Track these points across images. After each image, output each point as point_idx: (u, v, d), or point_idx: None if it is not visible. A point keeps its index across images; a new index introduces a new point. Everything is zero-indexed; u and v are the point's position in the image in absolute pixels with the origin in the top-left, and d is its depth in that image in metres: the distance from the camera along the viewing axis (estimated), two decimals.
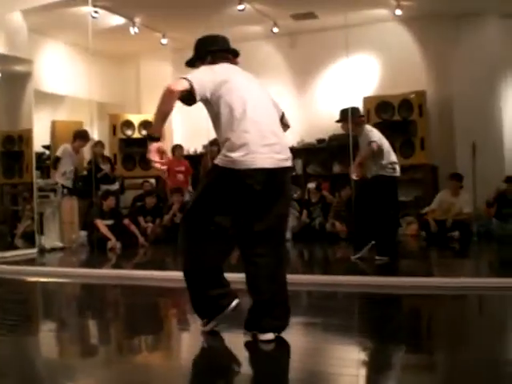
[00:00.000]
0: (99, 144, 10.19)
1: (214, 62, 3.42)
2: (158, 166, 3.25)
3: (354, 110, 6.74)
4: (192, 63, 3.55)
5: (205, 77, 3.24)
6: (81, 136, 9.62)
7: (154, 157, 3.23)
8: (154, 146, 3.25)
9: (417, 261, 7.22)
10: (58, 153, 9.52)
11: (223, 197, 3.22)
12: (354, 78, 9.36)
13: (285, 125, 3.69)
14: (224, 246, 3.31)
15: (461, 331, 3.70)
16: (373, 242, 6.46)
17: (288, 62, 10.81)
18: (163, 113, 3.24)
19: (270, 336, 3.20)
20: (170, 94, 3.15)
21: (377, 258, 6.32)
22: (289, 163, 3.35)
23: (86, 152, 9.94)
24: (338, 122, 6.69)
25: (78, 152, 9.69)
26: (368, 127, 6.65)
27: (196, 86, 3.15)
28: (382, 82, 10.11)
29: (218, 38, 3.56)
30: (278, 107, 3.65)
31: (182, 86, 3.13)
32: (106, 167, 9.96)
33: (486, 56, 9.21)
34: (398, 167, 6.55)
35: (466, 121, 9.38)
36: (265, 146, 3.19)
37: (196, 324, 3.50)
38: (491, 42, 9.22)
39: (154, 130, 3.32)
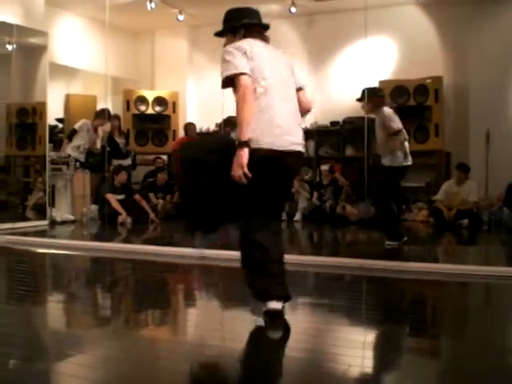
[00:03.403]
0: (115, 117, 10.21)
1: (246, 36, 3.40)
2: (243, 178, 3.11)
3: (375, 89, 6.66)
4: (222, 34, 3.52)
5: (240, 60, 3.22)
6: (101, 114, 9.68)
7: (245, 166, 3.11)
8: (246, 153, 3.11)
9: (425, 247, 7.21)
10: (76, 126, 9.59)
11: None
12: (370, 61, 9.29)
13: (300, 103, 3.59)
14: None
15: (465, 318, 3.71)
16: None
17: (304, 42, 10.74)
18: (249, 114, 3.14)
19: (279, 305, 3.21)
20: (248, 94, 3.14)
21: (387, 243, 6.31)
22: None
23: (101, 130, 9.96)
24: (358, 100, 6.59)
25: (96, 130, 9.74)
26: (387, 109, 6.49)
27: (249, 73, 3.19)
28: (399, 66, 10.04)
29: (249, 10, 3.52)
30: (298, 83, 3.60)
31: (245, 82, 3.15)
32: (121, 141, 10.00)
33: (503, 43, 9.11)
34: (409, 155, 6.48)
35: (481, 108, 9.32)
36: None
37: (202, 300, 3.52)
38: (509, 30, 9.10)
39: (243, 134, 3.11)
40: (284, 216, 9.56)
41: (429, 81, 9.40)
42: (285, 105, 3.35)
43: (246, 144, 3.10)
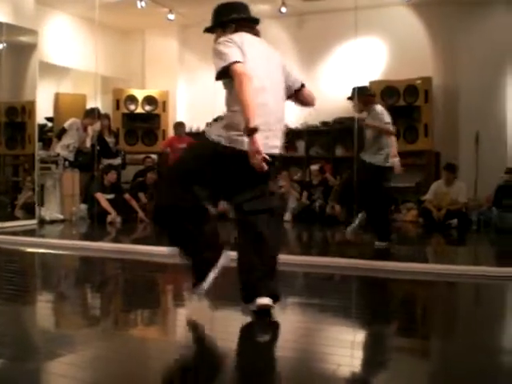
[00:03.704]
0: (105, 116, 10.20)
1: (236, 30, 3.39)
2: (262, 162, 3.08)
3: (364, 88, 6.69)
4: (212, 30, 3.51)
5: (234, 50, 3.21)
6: (91, 114, 9.66)
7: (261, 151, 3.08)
8: (257, 139, 3.06)
9: (414, 247, 7.24)
10: (66, 124, 9.57)
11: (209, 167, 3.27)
12: (360, 61, 9.32)
13: (304, 100, 3.72)
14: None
15: (455, 318, 3.73)
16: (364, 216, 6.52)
17: (295, 42, 10.74)
18: (251, 100, 3.08)
19: (268, 301, 3.23)
20: (246, 80, 3.10)
21: (376, 243, 6.33)
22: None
23: (90, 129, 9.94)
24: (349, 98, 6.62)
25: (85, 129, 9.71)
26: (379, 107, 6.51)
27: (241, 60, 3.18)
28: (389, 66, 10.07)
29: (239, 4, 3.50)
30: (297, 80, 3.65)
31: (242, 69, 3.13)
32: (110, 140, 9.99)
33: (493, 45, 9.16)
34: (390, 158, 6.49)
35: (471, 109, 9.37)
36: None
37: (191, 300, 3.52)
38: (499, 31, 9.14)
39: (251, 121, 3.04)
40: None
41: (419, 81, 9.44)
42: (275, 106, 3.35)
43: (255, 130, 3.05)
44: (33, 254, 6.33)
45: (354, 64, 8.96)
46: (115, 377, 2.48)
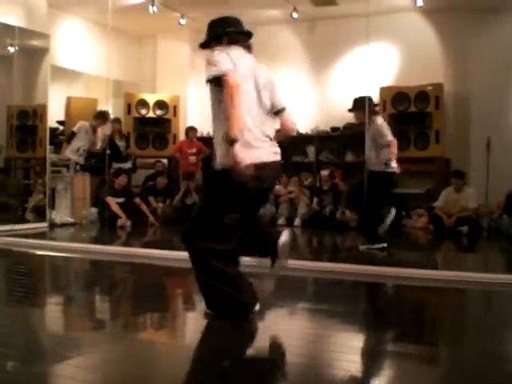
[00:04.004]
0: (116, 121, 10.24)
1: (229, 43, 3.44)
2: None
3: (366, 98, 6.71)
4: (207, 45, 3.56)
5: (226, 59, 3.25)
6: (100, 116, 9.71)
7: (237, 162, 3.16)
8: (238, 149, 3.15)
9: (424, 253, 7.21)
10: (75, 128, 9.62)
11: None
12: (371, 67, 9.30)
13: (283, 128, 3.79)
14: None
15: (465, 325, 3.71)
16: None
17: (306, 48, 10.76)
18: (239, 112, 3.17)
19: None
20: (236, 90, 3.15)
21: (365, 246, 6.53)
22: None
23: (100, 132, 9.98)
24: (350, 110, 6.69)
25: (95, 132, 9.75)
26: (380, 120, 6.63)
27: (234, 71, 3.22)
28: (400, 72, 10.05)
29: (232, 19, 3.56)
30: (280, 102, 3.63)
31: (234, 78, 3.17)
32: (121, 144, 10.02)
33: (504, 51, 9.13)
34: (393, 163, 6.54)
35: (482, 116, 9.34)
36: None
37: (200, 304, 3.52)
38: (510, 37, 9.12)
39: (235, 132, 3.13)
40: (283, 221, 9.57)
41: (430, 88, 9.41)
42: (260, 116, 3.42)
43: (236, 141, 3.13)
44: (43, 256, 6.35)
45: (364, 70, 8.93)
46: (124, 380, 2.48)
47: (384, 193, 6.56)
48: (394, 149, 6.46)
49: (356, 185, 7.02)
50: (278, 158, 3.48)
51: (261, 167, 3.28)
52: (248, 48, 3.55)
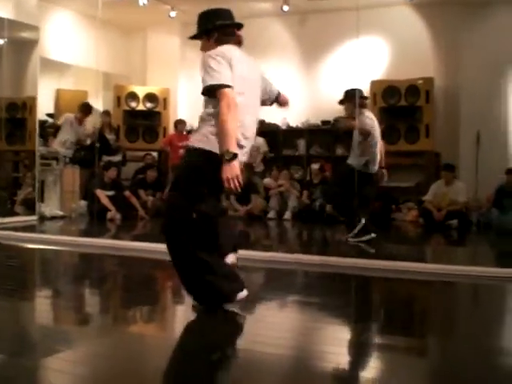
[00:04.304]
0: (106, 113, 10.21)
1: (219, 37, 3.44)
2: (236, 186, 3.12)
3: (356, 91, 6.71)
4: (197, 37, 3.56)
5: (226, 70, 3.25)
6: (83, 108, 9.69)
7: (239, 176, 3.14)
8: (237, 164, 3.12)
9: (413, 247, 7.24)
10: (59, 121, 9.60)
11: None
12: (362, 60, 9.31)
13: (282, 103, 3.88)
14: None
15: (453, 318, 3.73)
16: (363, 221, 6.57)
17: (296, 41, 10.74)
18: (235, 128, 3.17)
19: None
20: (234, 107, 3.16)
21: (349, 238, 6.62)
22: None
23: (89, 124, 9.95)
24: (340, 103, 6.69)
25: (81, 123, 9.72)
26: (368, 113, 6.64)
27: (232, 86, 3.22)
28: (390, 66, 10.06)
29: (222, 11, 3.54)
30: (275, 90, 3.80)
31: (232, 94, 3.18)
32: (111, 137, 9.99)
33: (495, 46, 9.13)
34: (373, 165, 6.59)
35: (472, 110, 9.35)
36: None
37: (189, 297, 3.52)
38: (502, 32, 9.13)
39: (233, 146, 3.12)
40: (273, 214, 9.58)
41: (420, 81, 9.42)
42: (252, 120, 3.45)
43: (235, 156, 3.10)
44: (32, 249, 6.33)
45: (355, 63, 8.94)
46: (114, 373, 2.48)
47: (349, 188, 6.55)
48: (377, 150, 6.49)
49: (333, 181, 7.09)
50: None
51: None
52: (239, 43, 3.54)
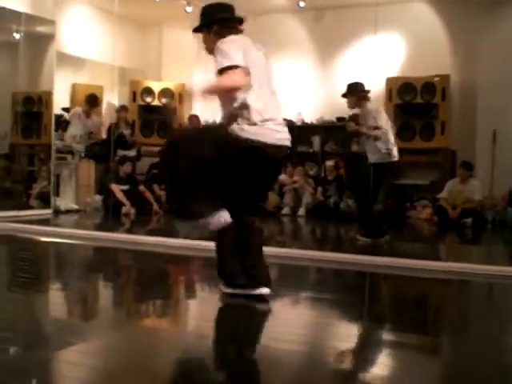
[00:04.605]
0: (123, 108, 10.23)
1: (219, 30, 3.51)
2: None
3: (358, 84, 6.66)
4: (198, 30, 3.67)
5: (239, 54, 3.28)
6: (89, 100, 9.77)
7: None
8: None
9: (428, 244, 7.21)
10: (68, 116, 9.66)
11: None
12: (378, 57, 9.27)
13: None
14: None
15: (466, 317, 3.70)
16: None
17: (312, 37, 10.71)
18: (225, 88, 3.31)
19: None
20: (239, 83, 3.24)
21: (359, 237, 6.56)
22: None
23: (95, 116, 10.00)
24: (343, 96, 6.66)
25: (88, 116, 9.74)
26: (371, 106, 6.56)
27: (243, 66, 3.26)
28: (407, 63, 10.01)
29: (224, 5, 3.62)
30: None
31: (241, 73, 3.23)
32: (127, 132, 10.01)
33: None
34: (394, 152, 6.50)
35: (489, 107, 9.28)
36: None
37: (203, 291, 3.52)
38: None
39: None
40: (288, 210, 9.58)
41: (436, 79, 9.37)
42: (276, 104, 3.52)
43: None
44: (47, 243, 6.36)
45: (371, 60, 8.91)
46: (127, 366, 2.48)
47: (375, 183, 6.51)
48: (377, 134, 6.41)
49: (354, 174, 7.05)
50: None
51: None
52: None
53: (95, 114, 10.02)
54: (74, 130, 9.58)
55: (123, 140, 9.85)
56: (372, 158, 6.50)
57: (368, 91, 6.62)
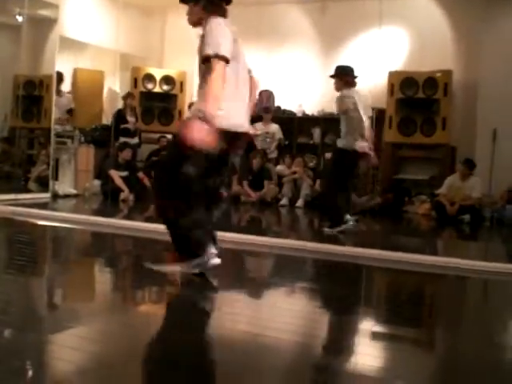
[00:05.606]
0: (130, 95, 10.17)
1: (206, 4, 3.64)
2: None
3: (348, 68, 6.61)
4: (185, 1, 3.78)
5: (227, 43, 3.44)
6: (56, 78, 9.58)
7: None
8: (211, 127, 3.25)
9: (425, 239, 7.22)
10: None
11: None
12: (381, 51, 9.25)
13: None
14: None
15: (461, 311, 3.72)
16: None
17: (316, 29, 10.67)
18: (221, 91, 3.36)
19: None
20: (223, 79, 3.36)
21: (326, 229, 6.53)
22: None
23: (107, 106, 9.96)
24: (331, 76, 6.63)
25: (59, 94, 9.52)
26: (347, 92, 6.49)
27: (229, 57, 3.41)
28: (410, 57, 9.97)
29: None
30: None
31: (224, 69, 3.37)
32: (131, 120, 9.98)
33: None
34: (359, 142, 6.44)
35: (490, 104, 9.25)
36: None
37: (200, 279, 3.53)
38: None
39: (213, 109, 3.28)
40: (286, 201, 9.57)
41: (439, 74, 9.34)
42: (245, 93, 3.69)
43: (209, 121, 3.20)
44: (44, 226, 6.37)
45: (374, 53, 8.89)
46: (122, 350, 2.49)
47: (341, 171, 6.48)
48: (367, 127, 6.42)
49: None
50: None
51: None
52: (224, 17, 3.67)
53: (64, 91, 9.81)
54: (55, 112, 9.40)
55: (127, 128, 9.81)
56: (339, 143, 6.51)
57: (355, 77, 6.59)
